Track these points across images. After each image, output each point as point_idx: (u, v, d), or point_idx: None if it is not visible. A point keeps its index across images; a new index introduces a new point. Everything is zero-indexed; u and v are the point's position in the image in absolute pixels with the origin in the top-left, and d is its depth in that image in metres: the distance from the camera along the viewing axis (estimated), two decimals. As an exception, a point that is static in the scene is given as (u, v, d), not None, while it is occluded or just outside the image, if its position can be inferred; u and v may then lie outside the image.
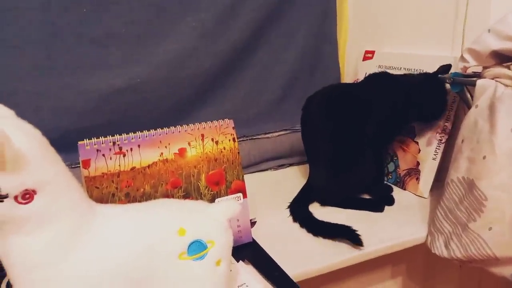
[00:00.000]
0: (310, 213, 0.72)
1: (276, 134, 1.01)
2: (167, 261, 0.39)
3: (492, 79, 0.61)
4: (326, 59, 1.06)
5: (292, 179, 0.88)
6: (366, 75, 0.87)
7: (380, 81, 0.81)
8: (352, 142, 0.74)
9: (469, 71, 0.72)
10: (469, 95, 0.70)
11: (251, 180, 0.94)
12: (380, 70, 0.88)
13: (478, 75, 0.64)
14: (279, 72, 1.01)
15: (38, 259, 0.35)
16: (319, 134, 0.77)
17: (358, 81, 1.00)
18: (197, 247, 0.40)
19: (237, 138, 0.94)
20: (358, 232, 0.64)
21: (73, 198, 0.37)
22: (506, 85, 0.58)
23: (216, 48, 0.91)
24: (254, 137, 0.99)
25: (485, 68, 0.63)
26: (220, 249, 0.41)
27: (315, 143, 0.79)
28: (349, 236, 0.64)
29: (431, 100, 0.76)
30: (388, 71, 0.92)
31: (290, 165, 1.01)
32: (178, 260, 0.40)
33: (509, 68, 0.58)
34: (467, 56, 0.64)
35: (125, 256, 0.38)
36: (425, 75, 0.79)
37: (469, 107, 0.66)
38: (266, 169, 0.99)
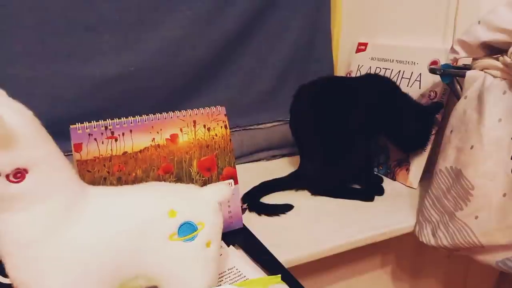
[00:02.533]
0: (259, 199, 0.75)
1: (270, 124, 1.02)
2: (158, 242, 0.40)
3: (481, 70, 0.62)
4: (319, 50, 1.06)
5: (285, 170, 0.88)
6: (362, 69, 0.87)
7: (377, 81, 0.82)
8: (341, 132, 0.75)
9: (460, 63, 0.74)
10: (458, 86, 0.71)
11: (244, 170, 0.94)
12: (378, 69, 0.89)
13: (468, 68, 0.65)
14: (272, 62, 1.01)
15: (29, 236, 0.35)
16: (308, 124, 0.78)
17: (351, 74, 1.01)
18: (187, 229, 0.41)
19: (230, 128, 0.95)
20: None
21: (65, 177, 0.37)
22: (495, 76, 0.59)
23: (210, 37, 0.91)
24: (247, 128, 0.99)
25: (474, 59, 0.64)
26: (210, 231, 0.42)
27: (304, 132, 0.79)
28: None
29: (415, 130, 0.78)
30: (381, 63, 0.94)
31: (283, 155, 1.02)
32: (168, 241, 0.40)
33: (498, 60, 0.59)
34: (457, 47, 0.65)
35: (115, 235, 0.38)
36: (420, 109, 0.80)
37: (458, 98, 0.67)
38: (259, 160, 1.00)
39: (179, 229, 0.40)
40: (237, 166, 0.95)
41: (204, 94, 0.96)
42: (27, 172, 0.34)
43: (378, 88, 0.78)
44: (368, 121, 0.76)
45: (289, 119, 0.82)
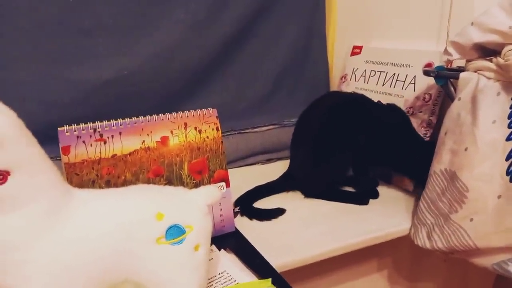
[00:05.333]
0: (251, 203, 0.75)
1: (265, 128, 1.01)
2: (144, 245, 0.39)
3: (475, 72, 0.61)
4: (314, 54, 1.06)
5: (279, 173, 0.88)
6: (357, 72, 0.85)
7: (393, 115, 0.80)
8: (339, 143, 0.76)
9: (454, 65, 0.73)
10: (452, 89, 0.71)
11: (238, 174, 0.94)
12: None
13: (462, 69, 0.65)
14: (268, 66, 1.01)
15: (11, 240, 0.34)
16: (314, 127, 0.78)
17: (346, 77, 1.01)
18: (175, 232, 0.40)
19: (225, 131, 0.95)
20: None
21: (49, 180, 0.36)
22: (488, 78, 0.59)
23: (205, 41, 0.91)
24: (242, 131, 0.99)
25: (468, 61, 0.64)
26: (198, 234, 0.41)
27: (306, 134, 0.80)
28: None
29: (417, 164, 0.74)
30: (376, 66, 0.93)
31: (279, 159, 1.01)
32: (155, 245, 0.39)
33: (491, 61, 0.59)
34: (450, 49, 0.64)
35: (101, 239, 0.37)
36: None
37: (452, 100, 0.66)
38: (254, 163, 0.99)
39: (166, 232, 0.40)
40: (232, 170, 0.95)
41: (199, 98, 0.95)
42: (9, 174, 0.34)
43: (394, 121, 0.77)
44: (374, 149, 0.76)
45: (288, 125, 0.82)
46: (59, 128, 0.49)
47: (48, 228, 0.36)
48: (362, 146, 0.75)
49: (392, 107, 0.80)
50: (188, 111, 0.56)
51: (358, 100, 0.80)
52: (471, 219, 0.58)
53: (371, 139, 0.75)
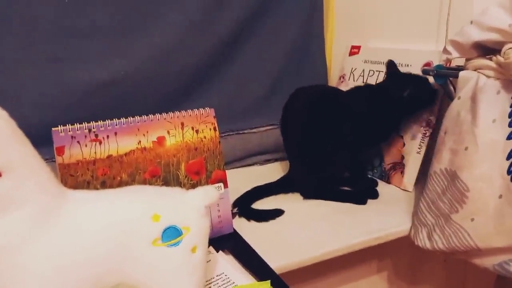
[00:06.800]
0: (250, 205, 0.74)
1: (263, 129, 1.00)
2: (140, 248, 0.38)
3: (475, 70, 0.61)
4: (313, 54, 1.05)
5: (278, 174, 0.87)
6: (356, 72, 0.86)
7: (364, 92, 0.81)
8: (329, 139, 0.75)
9: (453, 64, 0.73)
10: (452, 87, 0.70)
11: (236, 174, 0.93)
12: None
13: (461, 68, 0.64)
14: (266, 67, 1.00)
15: (3, 243, 0.33)
16: (298, 126, 0.77)
17: (345, 77, 1.00)
18: (171, 233, 0.39)
19: (223, 132, 0.94)
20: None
21: (42, 181, 0.36)
22: (488, 76, 0.58)
23: (202, 42, 0.90)
24: (240, 132, 0.98)
25: (467, 60, 0.63)
26: (196, 236, 0.40)
27: (293, 134, 0.79)
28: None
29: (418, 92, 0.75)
30: (374, 66, 0.93)
31: (277, 160, 1.00)
32: (151, 247, 0.38)
33: (491, 60, 0.58)
34: (450, 48, 0.64)
35: (96, 242, 0.36)
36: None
37: (452, 99, 0.66)
38: (252, 164, 0.98)
39: (163, 233, 0.39)
40: (230, 171, 0.95)
41: (196, 99, 0.94)
42: (0, 176, 0.33)
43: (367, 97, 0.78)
44: (358, 131, 0.75)
45: (281, 118, 0.81)
46: (53, 129, 0.48)
47: (40, 231, 0.35)
48: (350, 134, 0.74)
49: (355, 88, 0.82)
50: (185, 110, 0.55)
51: (326, 92, 0.82)
52: (472, 219, 0.57)
53: (356, 123, 0.75)
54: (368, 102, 0.77)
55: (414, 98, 0.74)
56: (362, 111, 0.76)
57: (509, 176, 0.55)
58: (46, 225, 0.35)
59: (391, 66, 0.80)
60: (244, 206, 0.72)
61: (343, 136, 0.74)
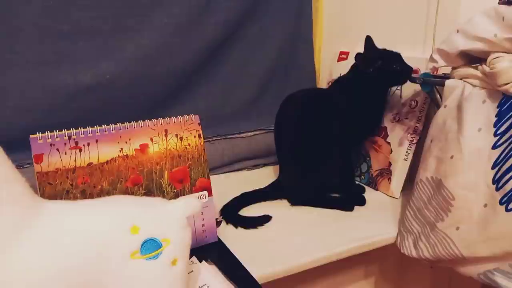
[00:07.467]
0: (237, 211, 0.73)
1: (251, 133, 1.00)
2: (118, 261, 0.37)
3: (461, 79, 0.61)
4: (301, 59, 1.05)
5: (266, 179, 0.86)
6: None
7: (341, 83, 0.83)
8: (320, 142, 0.75)
9: (440, 72, 0.73)
10: (438, 96, 0.70)
11: (224, 180, 0.92)
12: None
13: (448, 77, 0.65)
14: (254, 71, 1.00)
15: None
16: (289, 133, 0.77)
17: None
18: (150, 246, 0.38)
19: (211, 137, 0.93)
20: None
21: (13, 191, 0.34)
22: (474, 85, 0.58)
23: (188, 46, 0.89)
24: (228, 136, 0.97)
25: (454, 68, 0.63)
26: (176, 248, 0.39)
27: (285, 141, 0.78)
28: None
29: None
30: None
31: (265, 165, 1.00)
32: (130, 260, 0.37)
33: (477, 69, 0.59)
34: (436, 56, 0.64)
35: (69, 254, 0.35)
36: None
37: (438, 107, 0.66)
38: (240, 169, 0.98)
39: (141, 246, 0.38)
40: (217, 176, 0.94)
41: (184, 103, 0.93)
42: (-31, 187, 0.31)
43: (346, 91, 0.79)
44: (346, 132, 0.76)
45: (274, 125, 0.81)
46: (31, 136, 0.46)
47: (11, 244, 0.33)
48: (341, 130, 0.75)
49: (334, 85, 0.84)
50: (169, 117, 0.54)
51: (316, 96, 0.82)
52: (457, 228, 0.57)
53: (342, 118, 0.75)
54: (345, 89, 0.79)
55: (382, 72, 0.74)
56: (343, 104, 0.77)
57: (494, 185, 0.55)
58: (19, 237, 0.34)
59: (367, 42, 0.80)
60: (231, 213, 0.71)
61: (334, 136, 0.75)
